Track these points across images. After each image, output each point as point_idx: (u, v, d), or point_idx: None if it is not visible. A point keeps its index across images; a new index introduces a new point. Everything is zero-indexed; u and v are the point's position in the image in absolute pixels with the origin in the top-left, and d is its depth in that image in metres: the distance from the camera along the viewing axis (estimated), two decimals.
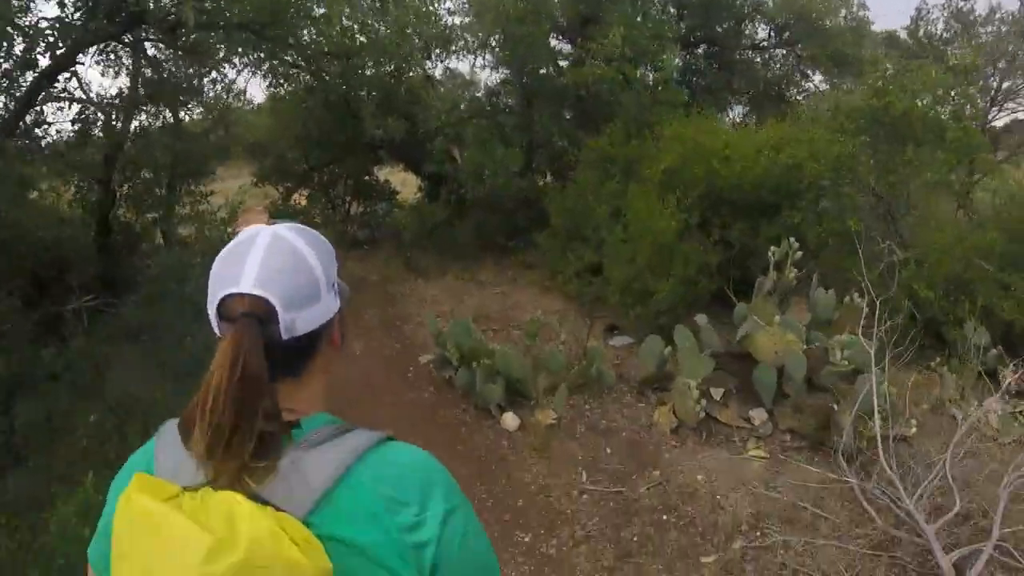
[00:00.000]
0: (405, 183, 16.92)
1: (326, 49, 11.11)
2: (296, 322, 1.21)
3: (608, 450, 6.27)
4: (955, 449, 5.28)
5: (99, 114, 10.40)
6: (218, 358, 1.11)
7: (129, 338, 8.35)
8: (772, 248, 6.90)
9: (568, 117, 12.94)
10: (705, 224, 8.83)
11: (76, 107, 9.84)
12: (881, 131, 8.93)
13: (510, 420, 6.70)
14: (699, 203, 8.64)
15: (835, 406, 6.01)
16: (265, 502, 1.07)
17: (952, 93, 9.07)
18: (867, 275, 7.75)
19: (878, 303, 6.14)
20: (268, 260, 1.21)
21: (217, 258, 1.25)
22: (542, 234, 11.21)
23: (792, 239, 6.78)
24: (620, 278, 8.55)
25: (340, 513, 1.11)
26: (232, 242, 1.27)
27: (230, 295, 1.19)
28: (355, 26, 11.44)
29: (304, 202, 15.37)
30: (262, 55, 11.33)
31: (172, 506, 1.05)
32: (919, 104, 8.70)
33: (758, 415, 6.60)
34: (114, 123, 10.40)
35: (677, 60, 12.14)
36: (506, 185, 11.50)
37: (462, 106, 12.72)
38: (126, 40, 9.62)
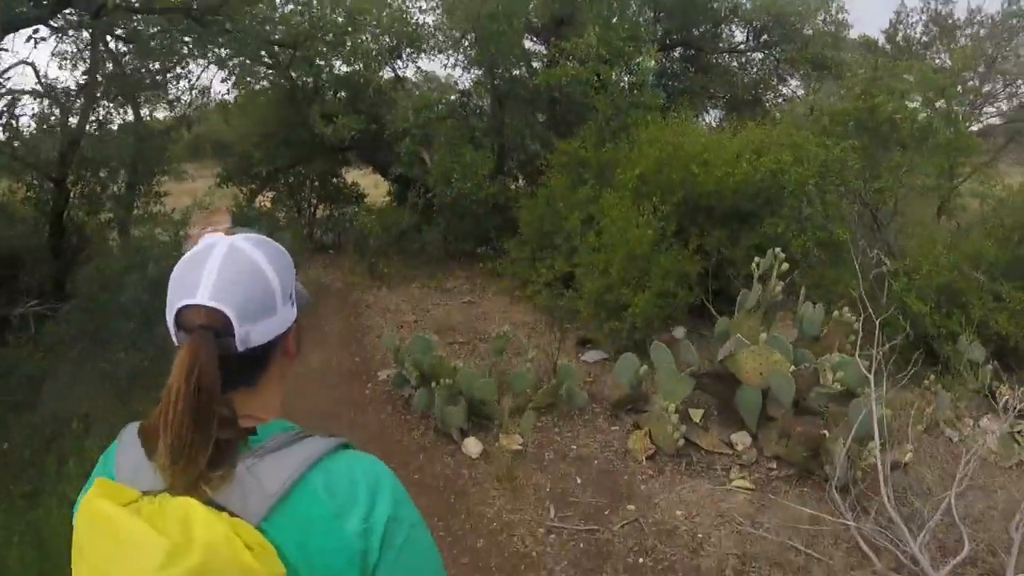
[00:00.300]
0: (377, 186, 16.41)
1: (269, 33, 10.57)
2: (251, 334, 1.22)
3: (579, 480, 5.73)
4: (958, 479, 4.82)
5: (54, 108, 9.97)
6: (175, 370, 1.13)
7: (71, 347, 7.86)
8: (756, 259, 6.38)
9: (541, 120, 12.45)
10: (681, 232, 8.33)
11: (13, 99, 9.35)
12: (866, 135, 8.49)
13: (472, 446, 6.13)
14: (675, 210, 8.13)
15: (826, 433, 5.51)
16: (220, 508, 1.09)
17: (943, 93, 8.63)
18: (852, 285, 7.34)
19: (878, 322, 5.65)
20: (224, 271, 1.22)
21: (177, 264, 1.26)
22: (511, 241, 10.69)
23: (778, 250, 6.26)
24: (593, 290, 8.04)
25: (293, 519, 1.13)
26: (191, 251, 1.27)
27: (187, 306, 1.20)
28: (300, 9, 11.03)
29: (268, 204, 14.79)
30: (226, 51, 10.90)
31: (131, 511, 1.07)
32: (908, 105, 8.26)
33: (741, 440, 6.11)
34: (70, 118, 9.93)
35: (653, 62, 11.65)
36: (475, 189, 10.98)
37: (437, 107, 12.13)
38: (55, 25, 9.10)
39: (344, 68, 13.79)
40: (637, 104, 11.19)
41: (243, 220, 11.63)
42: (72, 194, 9.98)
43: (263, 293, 1.24)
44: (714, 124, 16.42)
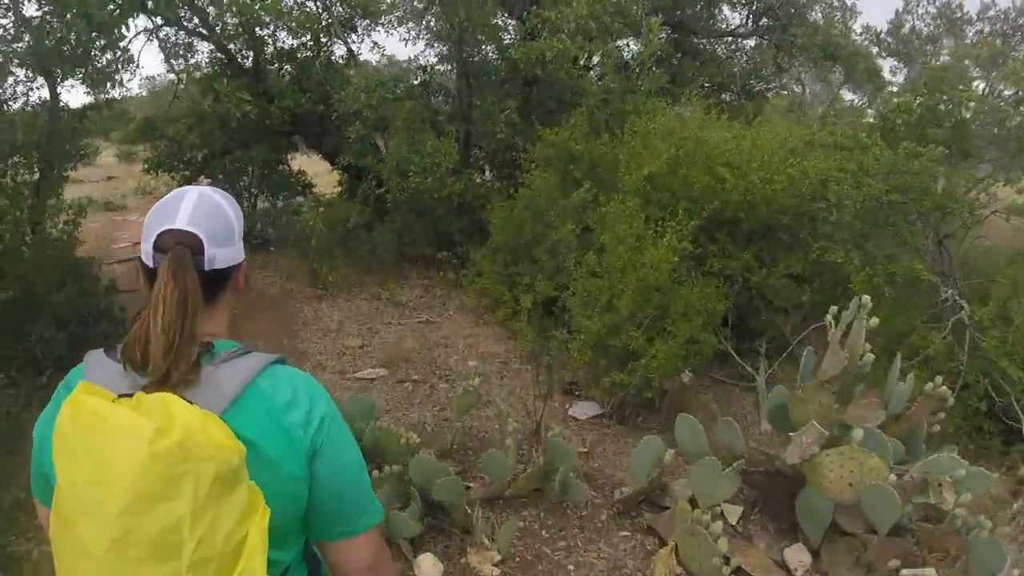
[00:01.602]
0: (330, 172, 14.29)
1: None
2: (216, 257, 1.50)
3: None
4: None
5: None
6: (161, 279, 1.39)
7: None
8: (832, 310, 4.59)
9: (516, 104, 10.49)
10: (698, 253, 6.55)
11: None
12: (926, 139, 6.74)
13: (429, 567, 4.22)
14: (699, 226, 6.33)
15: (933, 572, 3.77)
16: (190, 403, 1.30)
17: None
18: (931, 338, 5.69)
19: None
20: (197, 207, 1.51)
21: (151, 211, 1.53)
22: (479, 251, 8.84)
23: (866, 298, 4.45)
24: (592, 330, 6.10)
25: (246, 413, 1.38)
26: (164, 198, 1.55)
27: (167, 230, 1.47)
28: None
29: None
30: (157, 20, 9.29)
31: (116, 404, 1.26)
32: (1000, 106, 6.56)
33: (798, 559, 4.38)
34: None
35: (656, 38, 9.86)
36: (437, 185, 9.12)
37: (395, 87, 10.23)
38: None
39: (291, 41, 11.95)
40: (632, 88, 9.46)
41: None
42: None
43: (226, 227, 1.53)
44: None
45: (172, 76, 12.20)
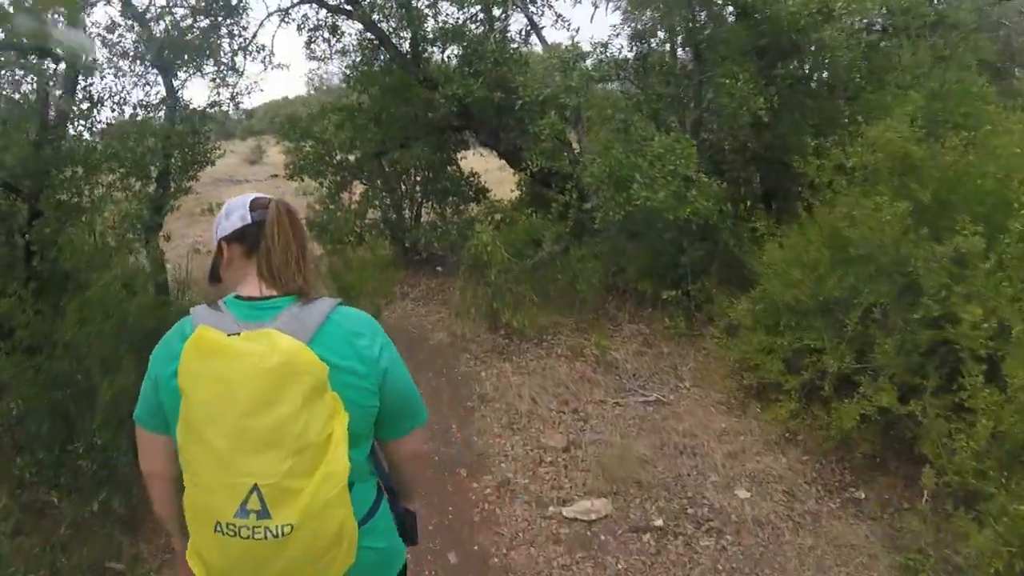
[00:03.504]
0: (502, 169, 11.69)
1: None
2: None
3: None
4: None
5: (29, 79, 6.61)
6: (272, 216, 1.86)
7: None
8: None
9: (769, 84, 7.33)
10: None
11: None
12: None
13: None
14: None
15: None
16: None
17: None
18: None
19: None
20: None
21: (227, 203, 1.98)
22: (736, 303, 6.00)
23: None
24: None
25: (326, 341, 1.75)
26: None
27: (256, 198, 1.93)
28: None
29: (357, 202, 10.39)
30: None
31: (230, 338, 1.63)
32: None
33: None
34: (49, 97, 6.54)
35: None
36: (673, 202, 6.34)
37: (600, 60, 7.53)
38: None
39: (458, 15, 9.74)
40: (942, 58, 6.51)
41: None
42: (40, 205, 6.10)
43: None
44: None
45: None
